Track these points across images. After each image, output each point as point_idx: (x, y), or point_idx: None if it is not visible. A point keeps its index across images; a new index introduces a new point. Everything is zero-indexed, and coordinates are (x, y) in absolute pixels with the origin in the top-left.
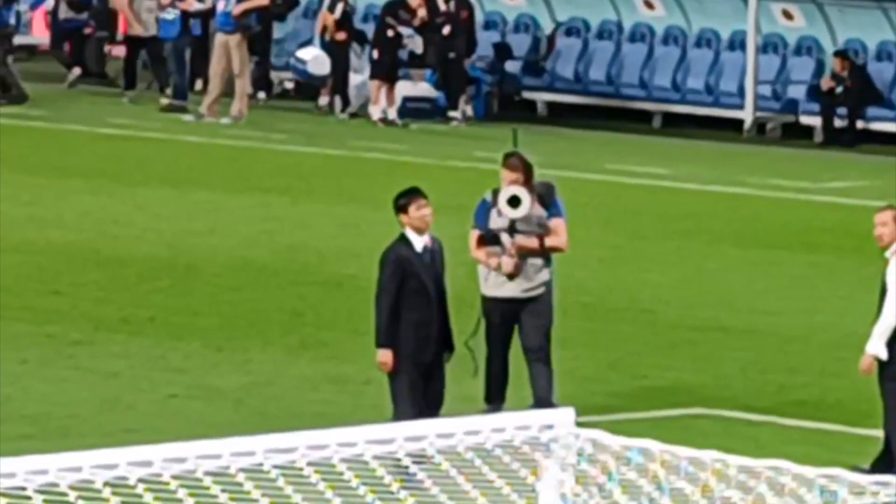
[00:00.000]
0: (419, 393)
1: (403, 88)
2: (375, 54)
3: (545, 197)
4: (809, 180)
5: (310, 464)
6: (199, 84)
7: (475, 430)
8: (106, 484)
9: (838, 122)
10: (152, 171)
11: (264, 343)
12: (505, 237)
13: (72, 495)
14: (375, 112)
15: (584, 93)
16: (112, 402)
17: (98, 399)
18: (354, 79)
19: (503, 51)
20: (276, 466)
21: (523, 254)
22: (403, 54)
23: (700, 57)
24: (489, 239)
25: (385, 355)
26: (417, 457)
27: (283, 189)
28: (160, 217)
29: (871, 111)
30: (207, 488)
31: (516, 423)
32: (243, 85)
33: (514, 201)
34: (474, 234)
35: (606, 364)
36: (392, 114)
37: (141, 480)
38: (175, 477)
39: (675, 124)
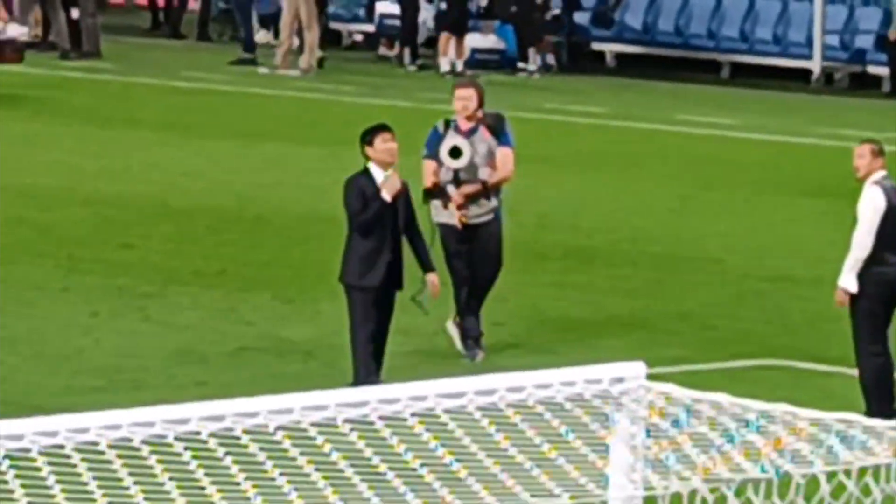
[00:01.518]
0: (373, 321)
1: (472, 40)
2: (444, 6)
3: (495, 127)
4: (876, 130)
5: (381, 418)
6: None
7: (545, 383)
8: (178, 438)
9: None
10: (222, 123)
11: (333, 295)
12: (451, 189)
13: (144, 450)
14: (444, 64)
15: (653, 44)
16: (182, 354)
17: (168, 351)
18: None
19: (572, 2)
20: (347, 420)
21: (471, 199)
22: (472, 6)
23: (768, 7)
24: (436, 193)
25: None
26: (488, 410)
27: (351, 141)
28: (229, 169)
29: None
30: (279, 443)
31: (586, 377)
32: (312, 37)
33: (455, 152)
34: (427, 164)
35: (676, 315)
36: (460, 65)
37: (213, 435)
38: (246, 431)
39: (743, 74)
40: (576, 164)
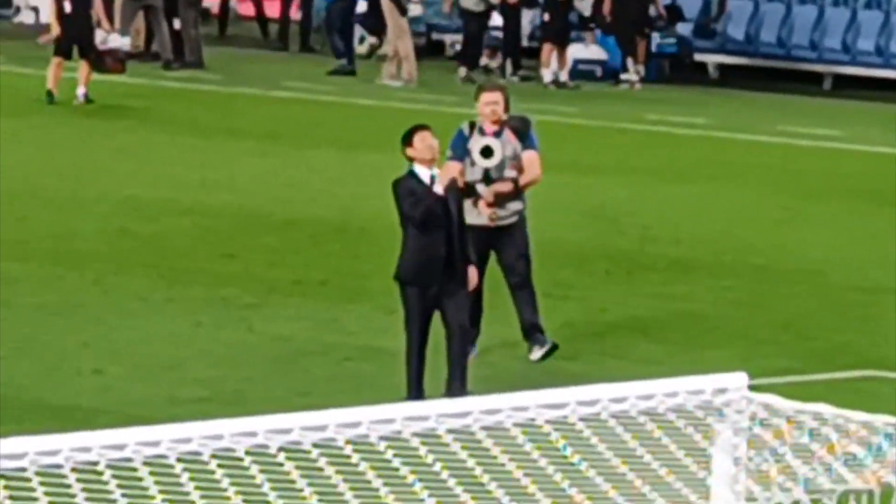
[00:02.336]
0: (428, 324)
1: (574, 51)
2: (546, 17)
3: (520, 130)
4: None
5: (483, 428)
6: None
7: (648, 394)
8: (280, 449)
9: None
10: (324, 133)
11: None
12: (481, 188)
13: (247, 460)
14: (546, 75)
15: (755, 55)
16: (285, 365)
17: (271, 362)
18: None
19: (675, 13)
20: (449, 431)
21: (500, 199)
22: (573, 16)
23: (870, 18)
24: (465, 193)
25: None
26: (590, 420)
27: None
28: (332, 180)
29: None
30: (381, 453)
31: (689, 388)
32: (406, 47)
33: (487, 151)
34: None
35: (778, 325)
36: (563, 76)
37: (315, 445)
38: (348, 442)
39: (845, 86)
40: (678, 175)
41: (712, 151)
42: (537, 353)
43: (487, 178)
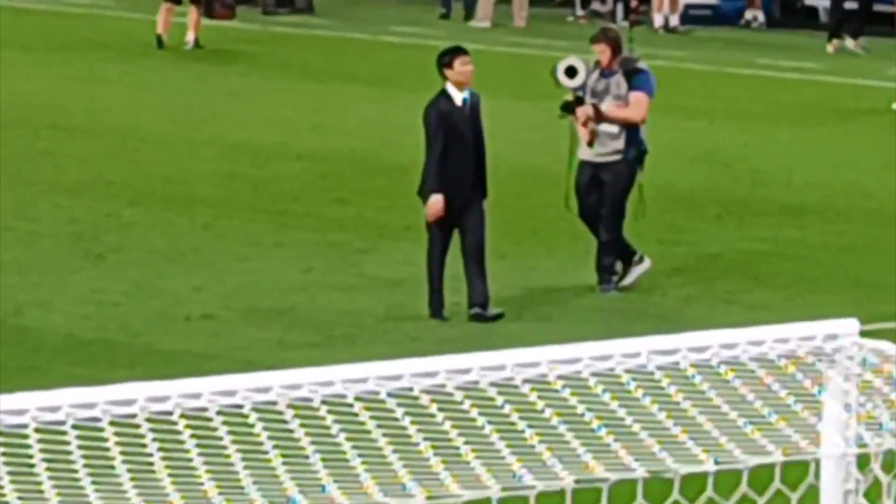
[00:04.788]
0: (449, 236)
1: None
2: None
3: (629, 73)
4: None
5: (593, 374)
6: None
7: (758, 340)
8: (390, 395)
9: None
10: (434, 78)
11: (548, 250)
12: (582, 109)
13: (357, 406)
14: (658, 19)
15: None
16: (397, 310)
17: (383, 307)
18: None
19: None
20: (560, 377)
21: (593, 121)
22: None
23: None
24: (564, 108)
25: (438, 199)
26: (701, 367)
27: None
28: None
29: None
30: (492, 399)
31: (799, 334)
32: None
33: (571, 71)
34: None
35: (891, 270)
36: (674, 20)
37: (424, 391)
38: (459, 388)
39: None
40: (789, 119)
41: (822, 96)
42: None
43: (579, 101)
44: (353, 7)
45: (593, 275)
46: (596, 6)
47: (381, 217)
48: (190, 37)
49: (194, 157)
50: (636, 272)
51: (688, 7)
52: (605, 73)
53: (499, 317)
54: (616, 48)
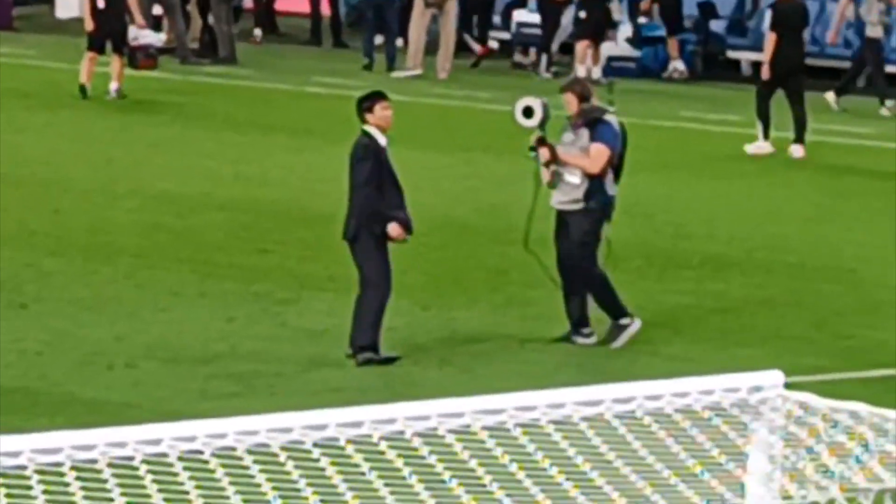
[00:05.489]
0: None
1: (607, 48)
2: (583, 14)
3: (592, 124)
4: None
5: (518, 424)
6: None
7: (683, 392)
8: (316, 445)
9: None
10: (357, 129)
11: (470, 301)
12: (541, 151)
13: (282, 456)
14: (581, 71)
15: None
16: (319, 360)
17: (305, 357)
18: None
19: (708, 10)
20: (485, 428)
21: (552, 163)
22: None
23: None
24: (532, 149)
25: (394, 225)
26: (625, 418)
27: (486, 147)
28: None
29: None
30: (416, 450)
31: (724, 386)
32: (447, 41)
33: (528, 112)
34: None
35: (812, 324)
36: (597, 73)
37: (350, 441)
38: (383, 438)
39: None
40: (712, 172)
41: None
42: (581, 340)
43: (541, 141)
44: (275, 58)
45: (517, 324)
46: (518, 58)
47: (303, 267)
48: (113, 86)
49: (117, 206)
50: (624, 336)
51: (610, 59)
52: (574, 124)
53: (393, 360)
54: (582, 99)
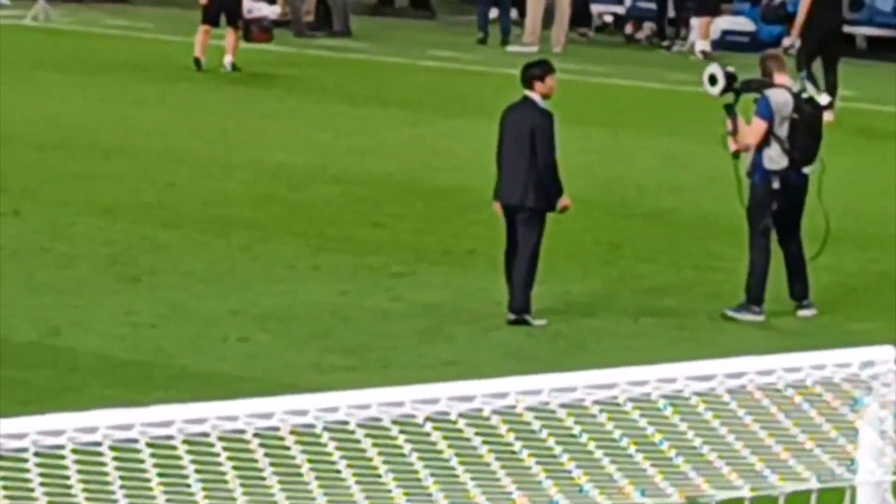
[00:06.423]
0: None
1: (722, 22)
2: None
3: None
4: None
5: (629, 399)
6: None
7: (795, 366)
8: (427, 418)
9: None
10: (471, 102)
11: (583, 275)
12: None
13: (394, 430)
14: (701, 46)
15: None
16: (432, 333)
17: (418, 331)
18: None
19: None
20: (596, 402)
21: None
22: None
23: None
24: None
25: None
26: (737, 393)
27: (602, 122)
28: (479, 149)
29: None
30: (528, 423)
31: (836, 361)
32: (562, 15)
33: (712, 79)
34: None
35: None
36: (708, 46)
37: (462, 415)
38: (495, 412)
39: None
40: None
41: (861, 123)
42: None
43: (729, 107)
44: (390, 31)
45: (630, 298)
46: (629, 30)
47: (417, 241)
48: (227, 59)
49: (231, 179)
50: (744, 315)
51: (724, 33)
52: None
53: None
54: (763, 72)
